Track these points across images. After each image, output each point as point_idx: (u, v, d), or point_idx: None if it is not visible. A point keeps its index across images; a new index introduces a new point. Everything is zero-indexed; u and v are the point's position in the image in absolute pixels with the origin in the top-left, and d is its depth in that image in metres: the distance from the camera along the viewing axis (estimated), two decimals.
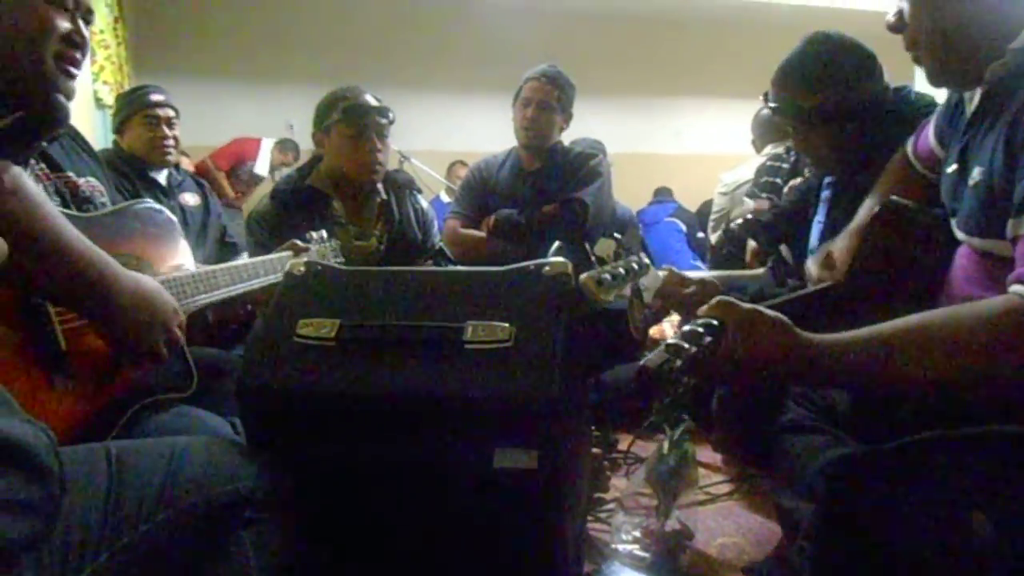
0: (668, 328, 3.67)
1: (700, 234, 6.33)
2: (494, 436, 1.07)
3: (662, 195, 7.22)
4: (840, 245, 1.46)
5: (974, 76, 1.13)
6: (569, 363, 1.14)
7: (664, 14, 7.54)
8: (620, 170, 3.97)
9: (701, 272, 2.58)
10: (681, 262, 6.00)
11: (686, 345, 0.89)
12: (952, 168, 1.20)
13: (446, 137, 7.25)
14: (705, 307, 0.97)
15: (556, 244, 1.36)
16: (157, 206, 1.52)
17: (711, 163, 8.06)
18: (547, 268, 1.18)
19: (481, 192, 2.86)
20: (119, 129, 2.85)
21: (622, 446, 2.05)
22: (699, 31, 8.07)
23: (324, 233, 1.92)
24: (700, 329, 0.91)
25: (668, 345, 0.89)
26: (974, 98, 1.18)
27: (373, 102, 2.20)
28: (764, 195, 2.99)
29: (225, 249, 2.92)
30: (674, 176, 7.70)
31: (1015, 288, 0.91)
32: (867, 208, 1.51)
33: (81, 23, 1.33)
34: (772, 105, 1.81)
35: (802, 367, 0.92)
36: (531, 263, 1.20)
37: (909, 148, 1.49)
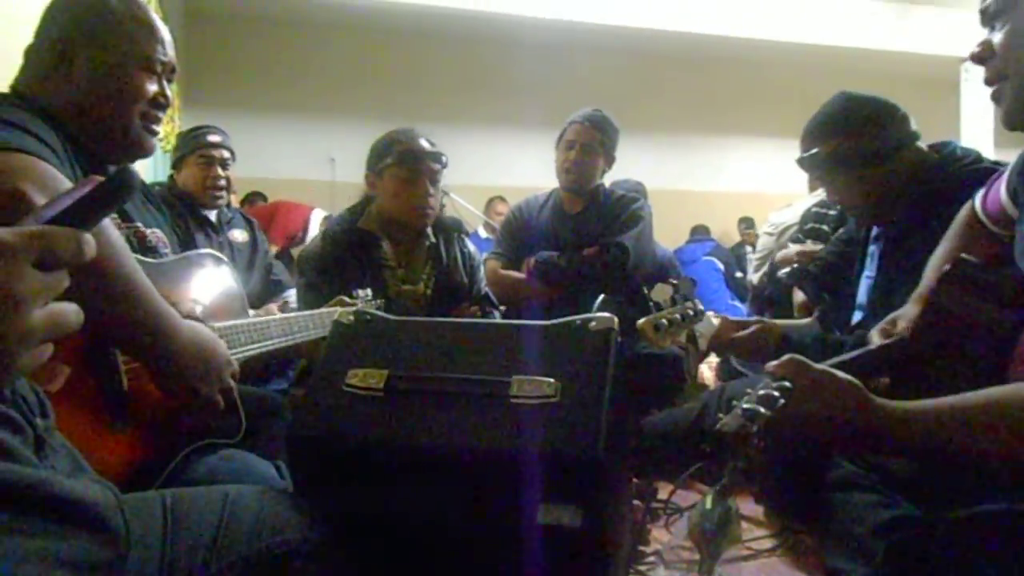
0: (706, 370, 3.64)
1: (738, 273, 6.30)
2: (539, 492, 1.07)
3: (699, 233, 7.21)
4: (907, 312, 1.44)
5: None
6: (614, 419, 1.14)
7: (704, 52, 7.58)
8: (658, 207, 3.98)
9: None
10: (718, 301, 5.96)
11: (762, 410, 0.88)
12: None
13: (485, 172, 7.33)
14: (776, 364, 0.97)
15: (601, 297, 1.38)
16: (217, 254, 1.58)
17: (750, 201, 8.07)
18: (593, 323, 1.19)
19: (522, 233, 2.88)
20: (176, 165, 2.95)
21: (662, 495, 2.03)
22: (739, 70, 8.09)
23: (369, 292, 1.94)
24: (775, 392, 0.90)
25: (744, 410, 0.88)
26: None
27: (428, 147, 2.22)
28: (809, 241, 2.97)
29: (270, 287, 2.98)
30: (713, 214, 7.69)
31: None
32: (932, 269, 1.49)
33: (166, 83, 1.41)
34: (797, 158, 1.88)
35: (873, 434, 0.91)
36: (577, 318, 1.20)
37: (977, 204, 1.47)
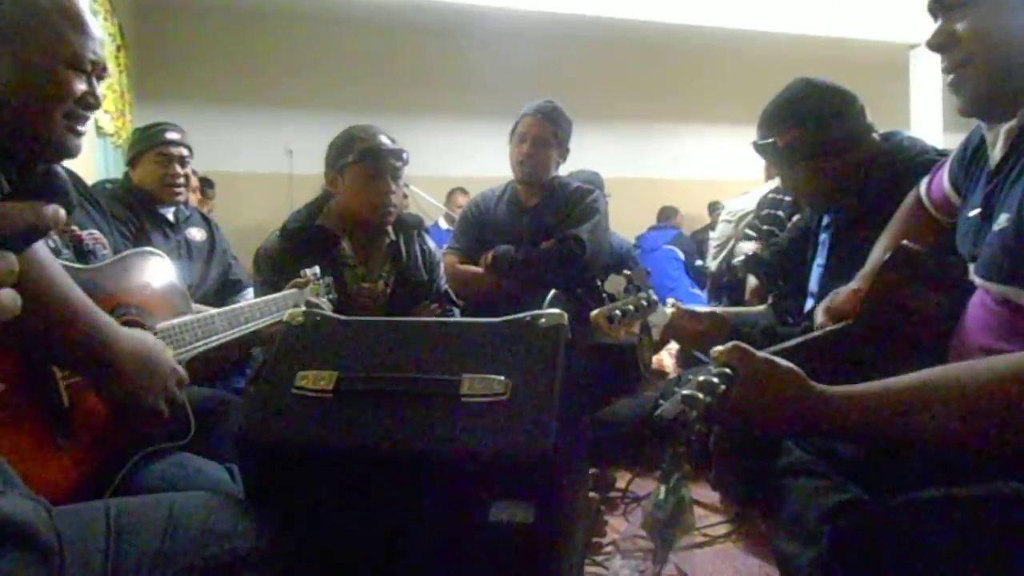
0: (667, 358, 3.68)
1: (698, 262, 6.36)
2: (491, 490, 1.07)
3: (667, 214, 7.25)
4: (848, 290, 1.47)
5: (1011, 108, 1.11)
6: (567, 414, 1.15)
7: (662, 41, 7.63)
8: (617, 195, 4.01)
9: (705, 308, 2.58)
10: (679, 290, 6.02)
11: (701, 396, 0.89)
12: (974, 212, 1.20)
13: (445, 163, 7.29)
14: (720, 349, 0.98)
15: (552, 293, 1.38)
16: (155, 252, 1.53)
17: (708, 189, 8.15)
18: (543, 320, 1.19)
19: (479, 227, 2.88)
20: (131, 163, 2.88)
21: (620, 483, 2.05)
22: (697, 58, 8.16)
23: (317, 270, 1.93)
24: (715, 379, 0.91)
25: (684, 396, 0.89)
26: (997, 142, 1.17)
27: (389, 144, 2.20)
28: (766, 227, 3.01)
29: (228, 286, 2.94)
30: (671, 201, 7.74)
31: None
32: (878, 253, 1.52)
33: (95, 81, 1.36)
34: (753, 143, 1.89)
35: (813, 419, 0.93)
36: (527, 315, 1.21)
37: (922, 192, 1.50)
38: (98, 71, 1.36)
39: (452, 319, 2.21)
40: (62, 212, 0.55)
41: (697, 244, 7.09)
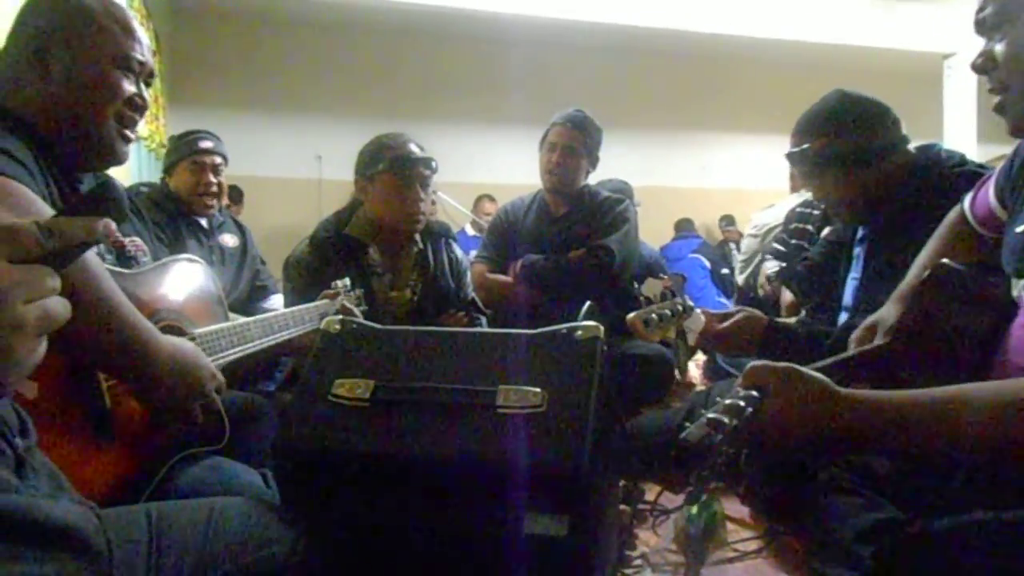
0: (693, 369, 3.66)
1: (724, 270, 6.32)
2: (525, 502, 1.07)
3: (684, 227, 7.22)
4: (887, 313, 1.44)
5: None
6: (601, 425, 1.15)
7: (690, 50, 7.60)
8: (644, 205, 3.99)
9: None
10: (706, 299, 5.98)
11: (726, 420, 0.88)
12: (1021, 228, 1.18)
13: (473, 169, 7.31)
14: (746, 370, 0.96)
15: (587, 304, 1.37)
16: (194, 259, 1.56)
17: (732, 197, 8.10)
18: (579, 332, 1.19)
19: (508, 236, 2.88)
20: (168, 170, 2.94)
21: (650, 496, 2.03)
22: (724, 67, 8.11)
23: (348, 281, 1.95)
24: (741, 402, 0.90)
25: (709, 419, 0.88)
26: None
27: (418, 152, 2.21)
28: (794, 241, 2.98)
29: (256, 292, 2.98)
30: (697, 210, 7.71)
31: None
32: (918, 268, 1.50)
33: (143, 86, 1.40)
34: (786, 153, 1.88)
35: (845, 427, 0.88)
36: (563, 327, 1.21)
37: (966, 206, 1.47)
38: (145, 75, 1.40)
39: (489, 330, 2.21)
40: (113, 225, 0.58)
41: (722, 253, 7.05)
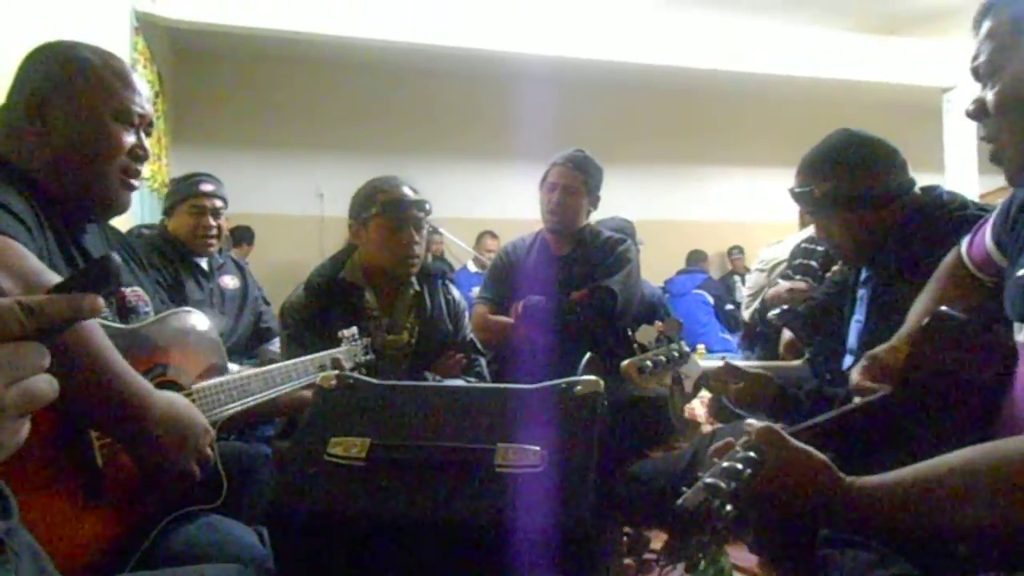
0: (699, 407, 3.62)
1: (729, 305, 6.30)
2: (525, 563, 1.05)
3: (696, 259, 7.22)
4: (886, 352, 1.43)
5: None
6: (602, 480, 1.13)
7: (692, 85, 7.65)
8: (648, 239, 3.99)
9: (744, 362, 2.50)
10: (709, 335, 5.96)
11: (723, 485, 0.86)
12: (1022, 272, 1.16)
13: (475, 205, 7.34)
14: (753, 429, 0.95)
15: (587, 356, 1.36)
16: (193, 310, 1.55)
17: (737, 230, 8.11)
18: (579, 387, 1.18)
19: (509, 276, 2.86)
20: (167, 212, 2.94)
21: (656, 543, 1.99)
22: (726, 102, 8.17)
23: (355, 330, 1.93)
24: (739, 464, 0.88)
25: (707, 484, 0.86)
26: None
27: (411, 195, 2.21)
28: (798, 277, 2.97)
29: (259, 334, 2.96)
30: (701, 244, 7.71)
31: None
32: (916, 314, 1.48)
33: (143, 135, 1.40)
34: (791, 190, 1.87)
35: (842, 513, 0.90)
36: (562, 381, 1.19)
37: (963, 250, 1.46)
38: (145, 125, 1.40)
39: (487, 385, 2.18)
40: (100, 302, 0.57)
41: (727, 288, 7.04)
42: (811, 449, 0.92)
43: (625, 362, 1.53)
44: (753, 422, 0.97)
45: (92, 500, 1.14)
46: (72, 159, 1.31)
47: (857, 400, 1.35)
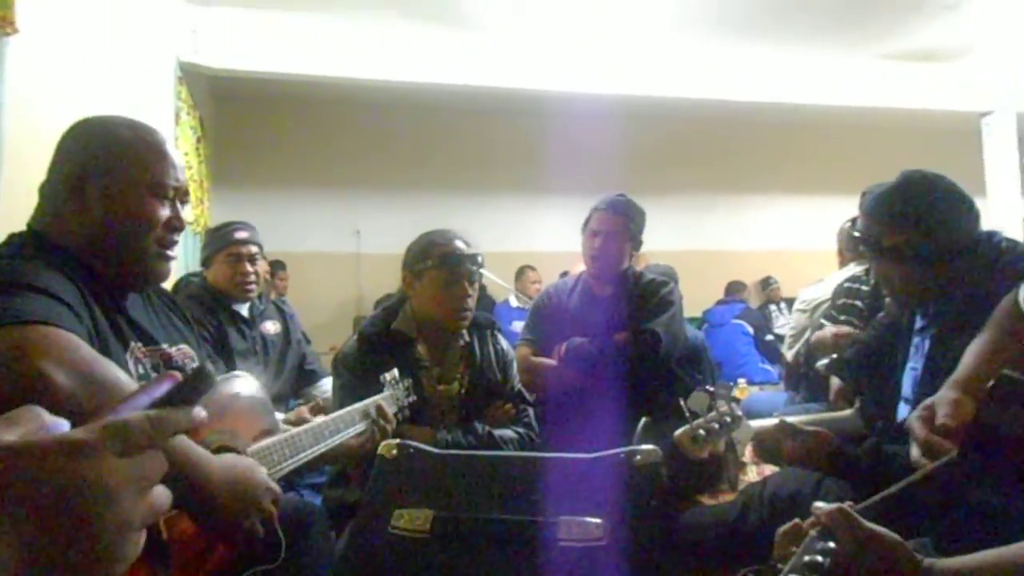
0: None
1: (768, 336, 6.23)
2: None
3: (734, 290, 7.16)
4: (944, 401, 1.39)
5: None
6: (659, 547, 1.12)
7: (729, 115, 7.63)
8: (685, 270, 3.96)
9: (796, 417, 2.42)
10: (749, 365, 5.89)
11: None
12: None
13: (512, 240, 7.36)
14: (824, 512, 0.94)
15: (643, 422, 1.36)
16: (240, 373, 1.58)
17: (775, 259, 8.03)
18: (638, 457, 1.17)
19: (552, 318, 2.87)
20: (205, 263, 2.99)
21: None
22: (764, 131, 8.13)
23: (396, 373, 1.96)
24: (819, 558, 0.88)
25: None
26: None
27: (465, 248, 2.23)
28: (843, 318, 2.93)
29: (304, 376, 2.99)
30: (736, 274, 7.65)
31: None
32: (970, 358, 1.44)
33: (179, 205, 1.43)
34: (857, 233, 1.81)
35: None
36: (621, 451, 1.19)
37: (1020, 298, 1.43)
38: (180, 196, 1.43)
39: (545, 455, 2.17)
40: (204, 414, 0.60)
41: (764, 317, 6.96)
42: (884, 531, 0.91)
43: (678, 432, 1.53)
44: (822, 507, 0.95)
45: (160, 571, 1.16)
46: (110, 236, 1.34)
47: (922, 462, 1.33)
